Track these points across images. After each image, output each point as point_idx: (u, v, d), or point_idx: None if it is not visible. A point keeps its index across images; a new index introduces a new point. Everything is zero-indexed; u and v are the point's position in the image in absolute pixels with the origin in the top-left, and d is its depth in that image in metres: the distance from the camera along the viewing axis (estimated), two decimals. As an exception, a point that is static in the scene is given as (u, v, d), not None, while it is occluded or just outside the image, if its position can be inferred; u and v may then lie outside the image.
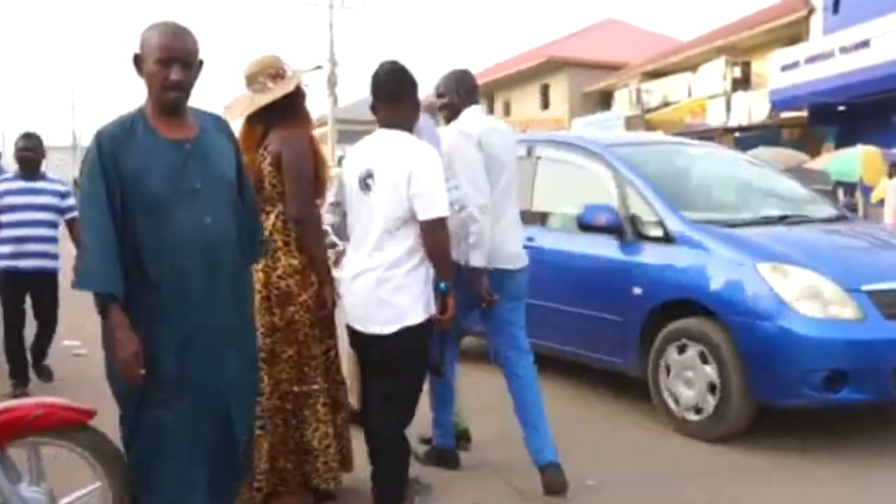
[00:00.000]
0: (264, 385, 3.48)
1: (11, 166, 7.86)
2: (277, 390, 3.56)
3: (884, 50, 17.49)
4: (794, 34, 22.06)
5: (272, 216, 3.56)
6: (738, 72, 23.44)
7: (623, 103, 28.29)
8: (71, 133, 63.07)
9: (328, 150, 42.13)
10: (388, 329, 3.34)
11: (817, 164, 17.55)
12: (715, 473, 4.47)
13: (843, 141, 19.61)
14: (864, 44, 18.20)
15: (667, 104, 25.89)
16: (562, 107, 32.35)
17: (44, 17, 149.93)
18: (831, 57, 19.17)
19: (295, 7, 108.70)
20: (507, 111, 36.22)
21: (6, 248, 5.84)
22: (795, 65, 20.34)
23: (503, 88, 36.20)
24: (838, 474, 4.42)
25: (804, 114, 21.09)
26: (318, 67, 50.39)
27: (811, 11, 21.60)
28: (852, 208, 17.15)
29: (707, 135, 23.35)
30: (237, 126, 3.59)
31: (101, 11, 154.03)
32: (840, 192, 16.60)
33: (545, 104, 33.94)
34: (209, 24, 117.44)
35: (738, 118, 22.60)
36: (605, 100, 31.07)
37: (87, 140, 3.09)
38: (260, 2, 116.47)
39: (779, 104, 21.13)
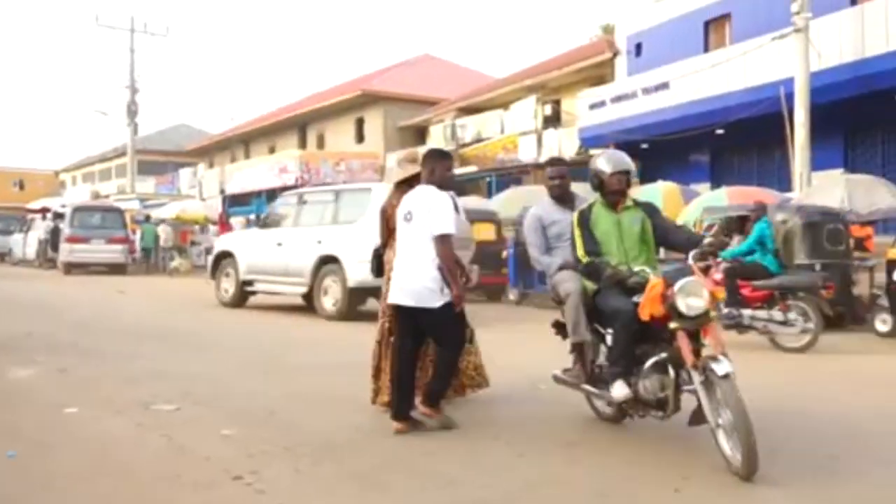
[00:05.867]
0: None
1: None
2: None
3: (682, 92, 18.54)
4: (601, 75, 23.05)
5: None
6: (548, 109, 24.16)
7: (438, 138, 28.44)
8: None
9: (128, 183, 39.52)
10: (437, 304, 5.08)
11: (623, 199, 18.22)
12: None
13: (647, 177, 20.53)
14: (664, 85, 19.23)
15: (480, 140, 26.26)
16: (377, 141, 32.16)
17: None
18: (634, 97, 20.12)
19: (95, 30, 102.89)
20: (320, 144, 35.57)
21: None
22: (602, 104, 21.20)
23: (317, 120, 35.57)
24: None
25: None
26: (104, 114, 47.78)
27: (616, 54, 22.70)
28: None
29: (520, 171, 23.91)
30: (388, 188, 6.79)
31: None
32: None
33: (360, 138, 33.62)
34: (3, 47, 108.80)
35: (549, 154, 23.16)
36: (420, 134, 31.17)
37: None
38: (57, 23, 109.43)
39: (587, 141, 21.91)
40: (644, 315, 4.54)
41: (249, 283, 13.33)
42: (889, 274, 10.57)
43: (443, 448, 4.84)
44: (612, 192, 5.07)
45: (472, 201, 20.47)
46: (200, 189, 36.64)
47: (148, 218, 27.06)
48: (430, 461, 4.57)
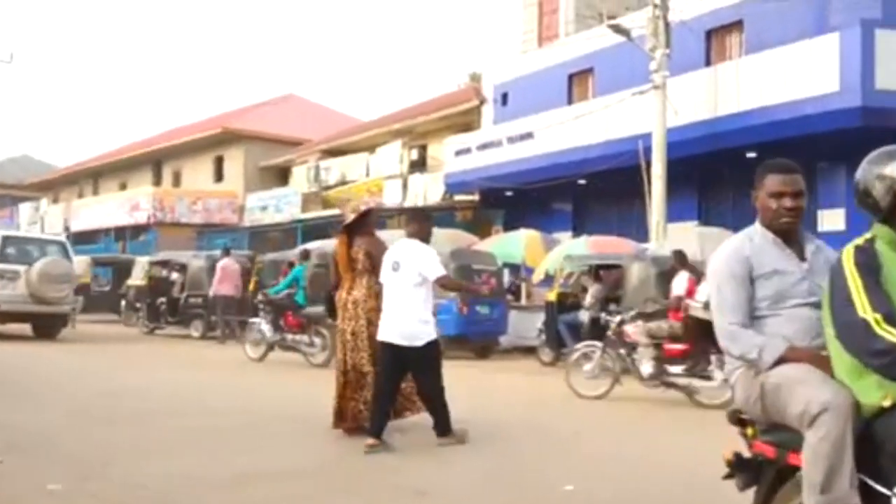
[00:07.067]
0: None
1: None
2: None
3: (545, 142, 18.85)
4: (468, 122, 23.24)
5: (364, 280, 6.42)
6: (414, 154, 24.12)
7: (301, 179, 27.88)
8: None
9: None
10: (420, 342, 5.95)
11: (485, 245, 18.19)
12: None
13: (511, 224, 20.72)
14: (529, 135, 19.52)
15: (345, 182, 25.89)
16: (237, 180, 31.18)
17: None
18: (500, 145, 20.32)
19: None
20: (176, 181, 34.15)
21: None
22: (468, 151, 21.31)
23: (174, 157, 34.17)
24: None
25: (476, 197, 22.09)
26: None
27: (482, 102, 22.96)
28: (516, 288, 18.00)
29: (384, 214, 23.64)
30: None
31: None
32: (506, 273, 17.27)
33: (219, 177, 32.50)
34: None
35: (414, 199, 23.08)
36: (282, 175, 30.47)
37: None
38: None
39: (452, 187, 21.95)
40: None
41: None
42: (547, 314, 12.69)
43: (287, 498, 4.49)
44: None
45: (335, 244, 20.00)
46: (42, 225, 34.38)
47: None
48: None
